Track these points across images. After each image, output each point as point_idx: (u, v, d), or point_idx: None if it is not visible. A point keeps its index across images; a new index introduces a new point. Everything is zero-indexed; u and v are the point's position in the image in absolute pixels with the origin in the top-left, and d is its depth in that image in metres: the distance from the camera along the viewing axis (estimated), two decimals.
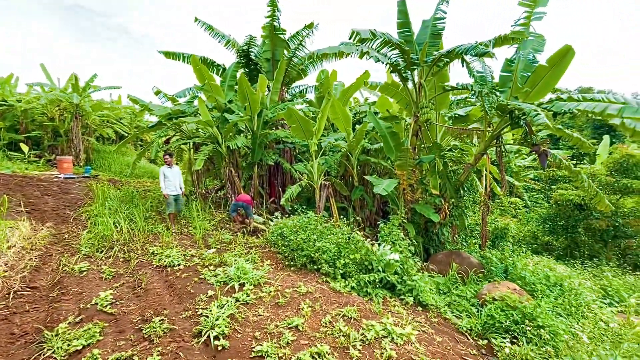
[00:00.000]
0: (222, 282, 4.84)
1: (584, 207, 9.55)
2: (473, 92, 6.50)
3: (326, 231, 6.42)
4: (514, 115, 6.61)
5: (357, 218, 9.21)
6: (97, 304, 4.24)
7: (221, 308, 4.13)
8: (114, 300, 4.41)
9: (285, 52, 11.34)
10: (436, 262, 7.37)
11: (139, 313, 4.19)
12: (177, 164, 9.50)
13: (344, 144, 9.80)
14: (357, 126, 9.88)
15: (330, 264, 5.70)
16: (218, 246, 6.57)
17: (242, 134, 10.34)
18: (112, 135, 18.25)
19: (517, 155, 14.47)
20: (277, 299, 4.52)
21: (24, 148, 14.79)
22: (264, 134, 9.69)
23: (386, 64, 7.07)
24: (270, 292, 4.68)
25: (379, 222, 6.89)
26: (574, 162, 13.85)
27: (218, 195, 11.21)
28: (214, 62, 11.61)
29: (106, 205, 8.20)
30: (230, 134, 9.54)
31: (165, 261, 5.55)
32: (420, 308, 5.32)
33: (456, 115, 8.89)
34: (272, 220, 8.94)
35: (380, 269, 5.56)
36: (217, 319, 3.83)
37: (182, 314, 4.11)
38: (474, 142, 10.31)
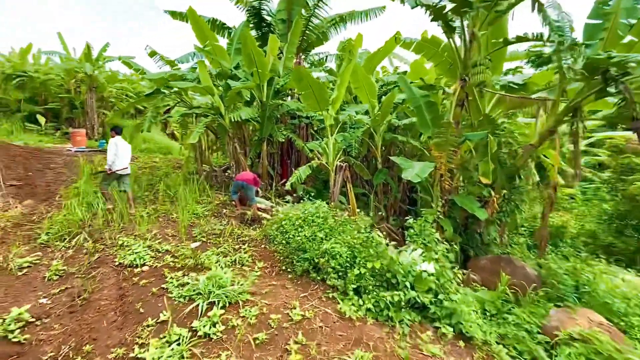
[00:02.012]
0: (185, 299, 3.37)
1: None
2: (551, 42, 4.44)
3: (338, 227, 4.79)
4: (609, 76, 4.50)
5: (380, 210, 7.49)
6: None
7: (168, 346, 2.67)
8: (32, 319, 3.06)
9: (304, 11, 9.42)
10: (478, 269, 5.59)
11: (58, 344, 2.82)
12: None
13: (366, 119, 7.97)
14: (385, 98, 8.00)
15: (341, 273, 4.10)
16: (204, 238, 5.13)
17: (252, 106, 8.74)
18: (132, 110, 17.26)
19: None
20: (257, 332, 2.99)
21: (41, 120, 14.08)
22: (273, 106, 8.03)
23: (427, 9, 5.09)
24: (250, 317, 3.17)
25: (407, 217, 5.17)
26: None
27: (226, 174, 9.81)
28: (224, 24, 9.87)
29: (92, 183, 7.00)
30: (236, 103, 7.96)
31: (128, 259, 4.17)
32: (462, 343, 3.64)
33: (510, 85, 6.77)
34: (280, 205, 7.44)
35: (408, 285, 3.90)
36: None
37: (112, 352, 2.69)
38: (519, 120, 8.14)
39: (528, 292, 4.66)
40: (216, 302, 3.25)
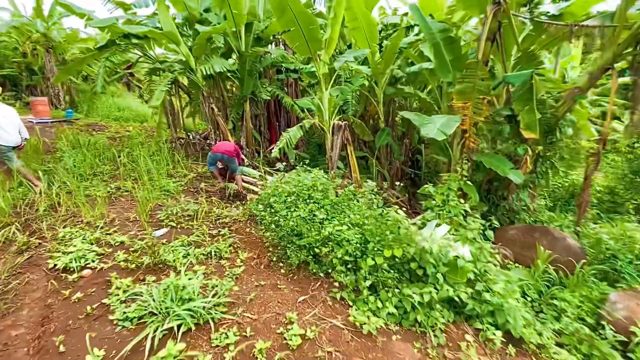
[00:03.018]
0: (132, 322, 2.27)
1: None
2: None
3: (342, 202, 3.66)
4: None
5: (384, 176, 6.38)
6: None
7: None
8: None
9: None
10: (507, 241, 4.62)
11: None
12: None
13: (365, 69, 6.54)
14: (385, 42, 6.53)
15: (350, 265, 3.03)
16: (173, 223, 3.96)
17: (229, 59, 7.17)
18: (84, 69, 15.11)
19: None
20: None
21: None
22: (254, 56, 6.50)
23: None
24: (227, 348, 2.11)
25: (423, 184, 4.05)
26: None
27: (207, 142, 8.44)
28: None
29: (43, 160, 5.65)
30: (209, 54, 6.41)
31: (62, 260, 3.00)
32: (511, 349, 2.71)
33: (542, 16, 5.37)
34: (271, 175, 6.24)
35: (440, 277, 2.86)
36: None
37: None
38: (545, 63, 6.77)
39: (577, 269, 3.71)
40: (176, 328, 2.16)
